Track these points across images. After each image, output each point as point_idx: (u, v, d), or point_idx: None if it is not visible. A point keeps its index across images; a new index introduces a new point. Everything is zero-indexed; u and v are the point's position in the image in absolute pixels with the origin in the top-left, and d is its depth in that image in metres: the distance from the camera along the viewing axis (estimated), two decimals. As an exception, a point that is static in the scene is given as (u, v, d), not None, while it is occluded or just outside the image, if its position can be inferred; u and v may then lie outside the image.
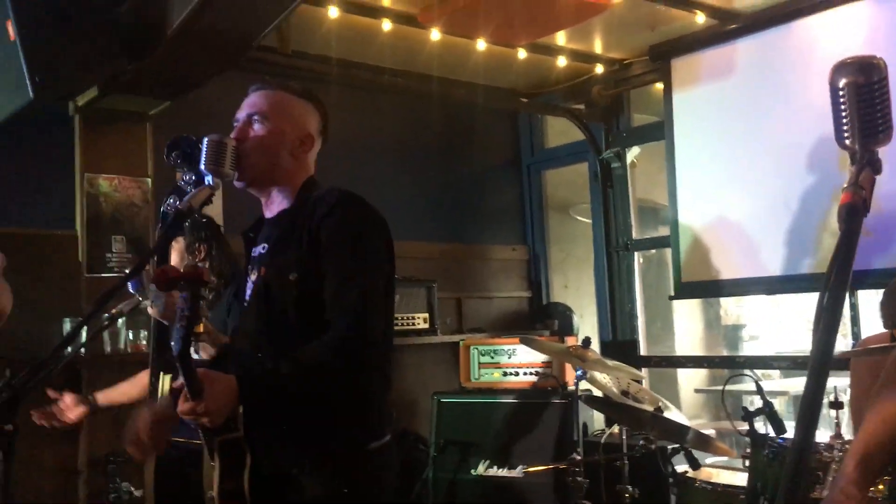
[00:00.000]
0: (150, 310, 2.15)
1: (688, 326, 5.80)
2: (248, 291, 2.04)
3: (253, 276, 2.04)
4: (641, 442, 3.31)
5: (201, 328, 1.62)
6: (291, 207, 2.05)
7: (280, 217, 2.06)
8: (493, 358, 4.65)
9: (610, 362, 3.63)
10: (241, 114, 2.07)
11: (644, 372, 4.90)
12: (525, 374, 4.53)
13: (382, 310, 1.94)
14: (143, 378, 3.09)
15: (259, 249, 2.06)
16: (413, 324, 4.83)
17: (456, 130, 5.48)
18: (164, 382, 1.68)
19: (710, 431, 3.95)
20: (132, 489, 3.61)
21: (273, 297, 1.96)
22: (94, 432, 3.73)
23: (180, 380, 1.70)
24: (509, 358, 4.60)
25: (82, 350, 3.61)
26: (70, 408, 2.87)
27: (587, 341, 3.62)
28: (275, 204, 2.08)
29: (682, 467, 3.18)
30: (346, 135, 4.78)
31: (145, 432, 1.96)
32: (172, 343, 1.63)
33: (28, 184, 3.85)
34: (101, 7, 3.17)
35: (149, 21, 3.29)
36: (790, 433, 2.96)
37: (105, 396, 2.99)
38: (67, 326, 3.76)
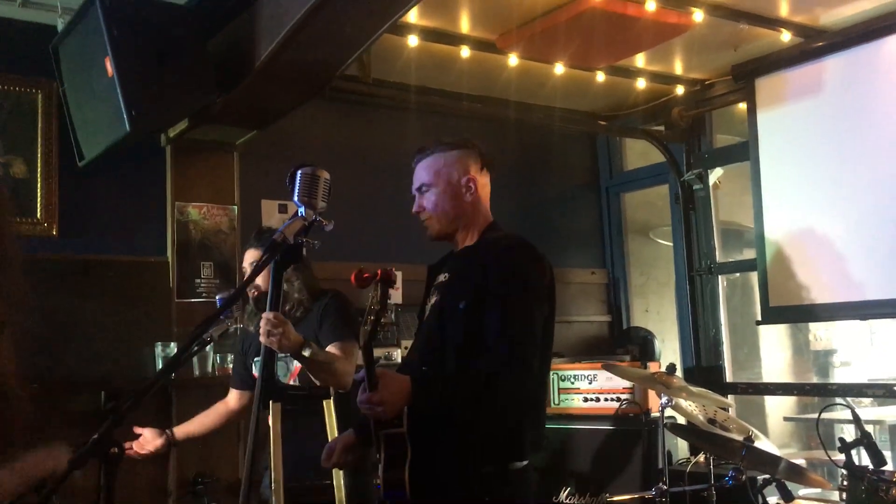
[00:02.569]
0: (262, 338, 2.21)
1: (775, 352, 5.62)
2: (427, 313, 2.30)
3: (432, 300, 2.30)
4: (731, 472, 3.21)
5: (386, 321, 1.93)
6: (474, 245, 2.31)
7: (464, 252, 2.32)
8: (573, 383, 4.60)
9: (695, 389, 3.54)
10: (413, 189, 2.36)
11: (730, 399, 4.77)
12: (606, 399, 4.47)
13: (538, 341, 2.14)
14: (219, 408, 3.19)
15: (441, 277, 2.31)
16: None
17: (533, 153, 5.47)
18: (275, 410, 1.73)
19: (801, 461, 3.82)
20: (219, 510, 3.69)
21: (444, 320, 2.20)
22: (184, 455, 3.83)
23: (361, 373, 1.98)
24: (590, 383, 4.54)
25: (172, 374, 3.71)
26: (149, 441, 2.99)
27: (672, 367, 3.54)
28: (461, 243, 2.34)
29: (773, 499, 3.07)
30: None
31: (338, 454, 2.33)
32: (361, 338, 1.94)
33: (123, 213, 4.00)
34: (193, 43, 3.30)
35: (237, 55, 3.41)
36: (890, 465, 2.84)
37: (182, 430, 3.12)
38: (159, 350, 3.88)
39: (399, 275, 4.12)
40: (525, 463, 2.16)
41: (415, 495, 2.06)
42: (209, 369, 3.92)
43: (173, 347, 3.82)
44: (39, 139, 3.80)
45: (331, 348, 2.79)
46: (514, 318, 2.08)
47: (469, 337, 2.11)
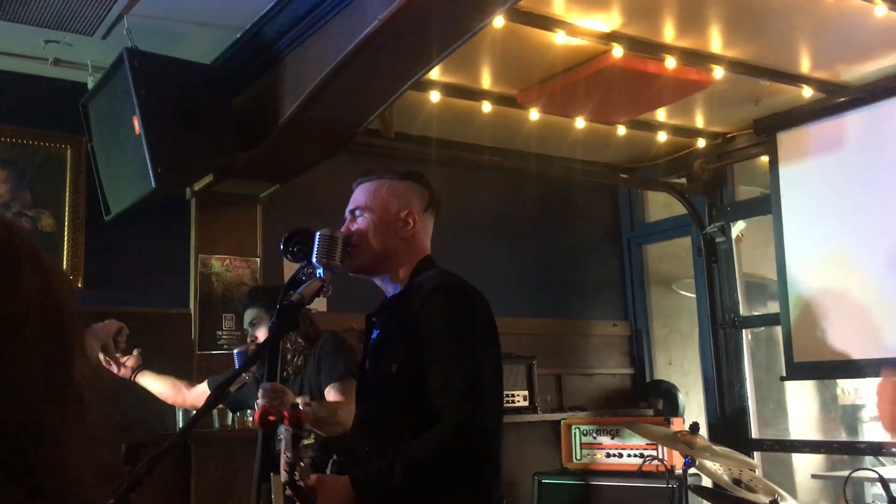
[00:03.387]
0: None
1: (802, 407, 5.51)
2: (361, 383, 2.12)
3: (367, 365, 2.09)
4: (757, 536, 3.14)
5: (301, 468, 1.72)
6: (401, 292, 2.08)
7: (391, 303, 2.10)
8: (595, 438, 4.54)
9: (719, 449, 3.48)
10: (347, 210, 2.16)
11: (756, 456, 4.68)
12: (629, 455, 4.40)
13: (490, 394, 1.93)
14: (181, 386, 3.34)
15: (373, 336, 2.10)
16: (513, 401, 4.78)
17: (555, 205, 5.48)
18: (275, 483, 1.71)
19: (830, 522, 3.72)
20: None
21: (378, 387, 2.02)
22: (203, 500, 3.82)
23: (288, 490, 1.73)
24: (612, 438, 4.48)
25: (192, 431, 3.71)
26: (125, 362, 3.22)
27: (695, 427, 3.49)
28: (389, 288, 2.13)
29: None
30: (446, 212, 4.80)
31: None
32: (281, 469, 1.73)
33: (148, 265, 4.05)
34: (218, 102, 3.36)
35: (262, 112, 3.47)
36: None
37: (145, 379, 3.30)
38: (179, 402, 3.88)
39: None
40: None
41: None
42: (228, 422, 3.92)
43: (194, 400, 3.82)
44: (67, 193, 3.87)
45: (330, 390, 2.88)
46: (459, 373, 1.88)
47: (407, 403, 1.91)
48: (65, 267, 3.83)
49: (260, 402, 1.93)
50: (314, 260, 2.05)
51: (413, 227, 2.11)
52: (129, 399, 3.79)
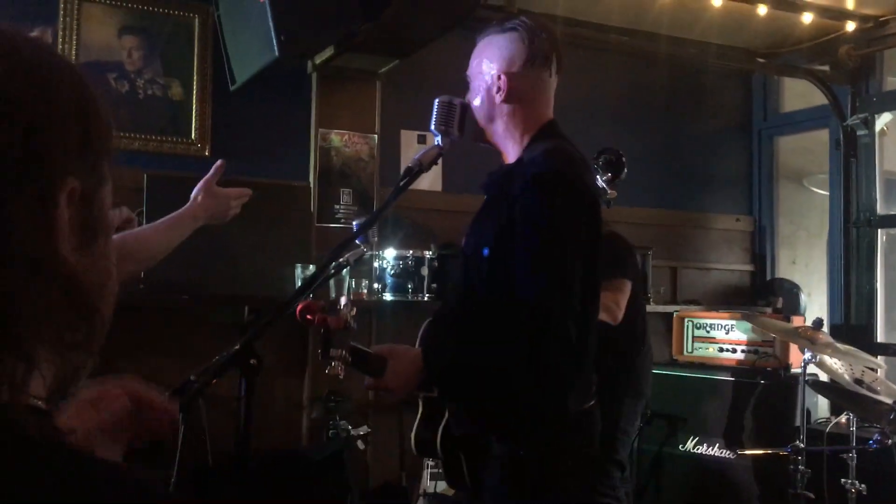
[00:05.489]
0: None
1: (935, 314, 5.22)
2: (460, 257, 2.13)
3: (464, 242, 2.06)
4: (876, 436, 3.04)
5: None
6: (508, 169, 1.97)
7: (499, 176, 1.99)
8: (708, 332, 4.46)
9: (842, 346, 3.35)
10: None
11: (880, 360, 4.49)
12: (743, 351, 4.31)
13: (576, 291, 1.81)
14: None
15: (479, 211, 2.05)
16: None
17: (684, 92, 5.23)
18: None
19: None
20: (349, 427, 3.83)
21: (468, 268, 1.99)
22: (318, 372, 4.00)
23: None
24: (727, 333, 4.39)
25: (311, 295, 3.85)
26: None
27: (819, 322, 3.36)
28: (511, 155, 2.00)
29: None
30: (571, 95, 4.66)
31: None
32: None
33: (270, 137, 4.13)
34: (340, -31, 3.30)
35: (383, -19, 3.39)
36: None
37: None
38: (299, 271, 4.01)
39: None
40: (579, 409, 1.93)
41: (446, 453, 1.98)
42: (344, 292, 4.04)
43: (312, 270, 3.94)
44: (196, 62, 3.96)
45: None
46: (543, 268, 1.79)
47: (493, 289, 1.87)
48: (193, 136, 3.96)
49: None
50: (432, 127, 2.02)
51: (508, 88, 1.92)
52: (248, 264, 3.96)
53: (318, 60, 4.07)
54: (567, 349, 1.79)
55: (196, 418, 3.06)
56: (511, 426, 1.90)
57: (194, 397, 1.68)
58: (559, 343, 1.76)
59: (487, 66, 1.96)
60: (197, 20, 3.96)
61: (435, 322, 2.11)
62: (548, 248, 1.81)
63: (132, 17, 3.85)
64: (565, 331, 1.76)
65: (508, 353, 1.79)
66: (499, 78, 1.93)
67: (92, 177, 0.65)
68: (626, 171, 3.55)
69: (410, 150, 4.40)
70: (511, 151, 1.99)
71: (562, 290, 1.78)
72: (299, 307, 1.83)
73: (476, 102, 1.99)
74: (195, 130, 3.95)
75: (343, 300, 1.95)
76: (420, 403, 2.09)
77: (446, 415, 1.97)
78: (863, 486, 3.24)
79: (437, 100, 2.02)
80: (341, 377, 1.81)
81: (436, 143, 2.03)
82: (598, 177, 3.39)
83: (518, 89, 1.94)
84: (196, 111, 3.95)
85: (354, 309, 1.88)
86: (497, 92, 1.94)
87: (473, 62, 2.02)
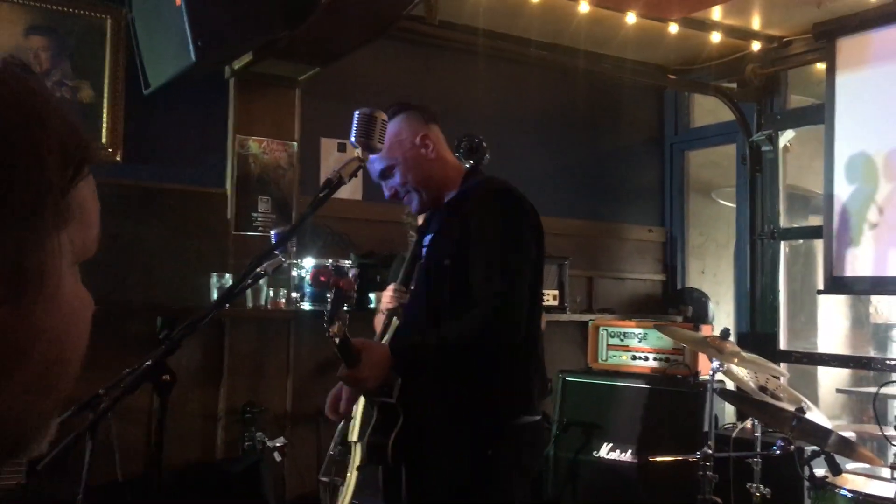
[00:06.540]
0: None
1: (833, 323, 5.48)
2: (416, 276, 2.29)
3: (421, 262, 2.27)
4: (779, 442, 3.16)
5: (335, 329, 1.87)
6: (455, 196, 2.24)
7: (447, 206, 2.25)
8: (622, 340, 4.56)
9: (748, 355, 3.48)
10: (375, 179, 2.28)
11: (783, 368, 4.68)
12: (655, 359, 4.42)
13: (526, 294, 2.09)
14: None
15: (428, 238, 2.28)
16: (543, 300, 4.79)
17: (600, 106, 5.35)
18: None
19: (850, 434, 3.74)
20: (266, 438, 3.77)
21: (431, 281, 2.18)
22: (234, 383, 3.93)
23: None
24: (639, 342, 4.50)
25: (227, 305, 3.78)
26: None
27: (726, 332, 3.48)
28: (444, 199, 2.28)
29: (820, 471, 3.02)
30: (490, 106, 4.76)
31: (345, 404, 2.19)
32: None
33: (186, 142, 4.04)
34: (261, -26, 3.26)
35: (305, -11, 3.36)
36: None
37: None
38: (214, 280, 3.94)
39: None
40: (526, 420, 2.13)
41: (398, 461, 2.09)
42: (262, 303, 3.98)
43: (228, 279, 3.87)
44: (107, 65, 3.84)
45: None
46: (499, 270, 2.05)
47: (455, 294, 2.09)
48: (104, 140, 3.84)
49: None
50: (353, 139, 2.02)
51: (433, 145, 2.24)
52: (162, 272, 3.86)
53: (236, 66, 4.00)
54: (521, 349, 2.10)
55: (105, 431, 2.96)
56: (467, 423, 2.07)
57: (103, 414, 1.63)
58: (513, 327, 2.03)
59: (404, 142, 2.22)
60: (109, 21, 3.84)
61: (400, 329, 2.27)
62: (501, 249, 2.07)
63: (40, 16, 3.71)
64: (519, 318, 2.04)
65: (468, 330, 2.02)
66: (423, 138, 2.23)
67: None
68: (487, 156, 3.18)
69: (330, 157, 4.37)
70: (448, 193, 2.27)
71: (514, 289, 2.05)
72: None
73: (411, 177, 2.21)
74: (106, 135, 3.83)
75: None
76: (375, 409, 2.17)
77: (399, 423, 2.06)
78: (767, 490, 3.37)
79: (357, 112, 2.02)
80: (338, 342, 1.88)
81: (356, 154, 2.02)
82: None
83: (436, 140, 2.27)
84: (107, 115, 3.83)
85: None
86: (426, 150, 2.23)
87: (383, 157, 2.19)
